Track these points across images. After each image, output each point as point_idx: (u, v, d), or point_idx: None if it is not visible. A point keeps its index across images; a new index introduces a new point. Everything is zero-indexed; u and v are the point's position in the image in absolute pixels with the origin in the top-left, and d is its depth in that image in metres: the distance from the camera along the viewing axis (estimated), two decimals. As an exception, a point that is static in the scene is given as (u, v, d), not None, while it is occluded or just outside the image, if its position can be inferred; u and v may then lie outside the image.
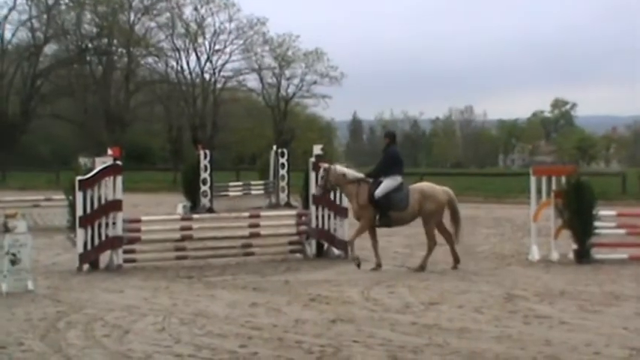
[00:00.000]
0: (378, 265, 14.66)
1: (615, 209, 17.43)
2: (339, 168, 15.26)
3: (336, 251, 16.16)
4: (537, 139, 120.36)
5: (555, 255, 15.74)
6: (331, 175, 15.03)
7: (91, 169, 14.91)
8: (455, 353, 8.46)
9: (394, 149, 15.17)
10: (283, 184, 30.93)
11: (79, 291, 12.35)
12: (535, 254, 15.88)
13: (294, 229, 16.27)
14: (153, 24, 65.20)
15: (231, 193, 31.70)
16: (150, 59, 67.35)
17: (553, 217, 15.99)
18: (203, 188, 27.84)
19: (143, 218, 15.80)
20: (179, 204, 27.74)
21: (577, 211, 15.57)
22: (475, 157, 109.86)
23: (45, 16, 62.95)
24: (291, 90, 69.74)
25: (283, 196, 30.79)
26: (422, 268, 14.59)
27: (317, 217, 16.10)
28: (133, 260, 14.90)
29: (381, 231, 15.09)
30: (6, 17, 62.11)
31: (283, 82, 69.16)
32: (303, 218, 16.27)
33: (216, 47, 65.73)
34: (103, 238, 14.55)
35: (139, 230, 15.13)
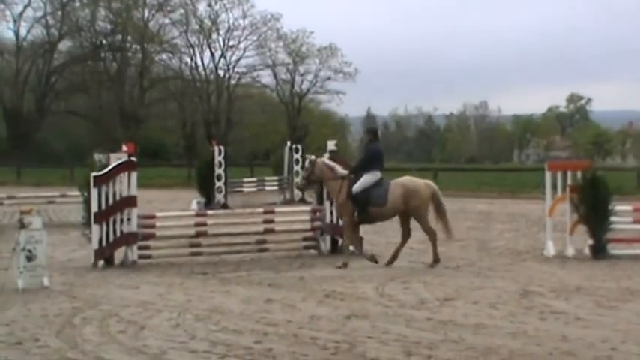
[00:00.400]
0: (373, 259, 14.53)
1: (631, 204, 17.33)
2: (325, 162, 15.19)
3: (350, 247, 16.12)
4: (552, 135, 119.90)
5: (571, 250, 15.68)
6: (316, 168, 14.97)
7: (105, 166, 14.93)
8: (470, 349, 8.43)
9: (376, 145, 15.08)
10: (297, 179, 30.90)
11: (94, 287, 12.38)
12: (550, 250, 15.83)
13: (309, 224, 16.25)
14: (167, 20, 65.49)
15: (245, 189, 31.73)
16: (164, 56, 67.64)
17: (568, 213, 15.93)
18: (217, 184, 27.85)
19: (158, 214, 15.82)
20: (193, 200, 27.77)
21: (593, 207, 15.51)
22: (489, 153, 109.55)
23: (60, 13, 63.24)
24: (305, 86, 69.93)
25: (297, 192, 30.79)
26: (436, 261, 14.54)
27: (331, 213, 16.07)
28: (148, 256, 14.92)
29: (395, 227, 15.03)
30: (21, 14, 62.50)
31: (297, 78, 69.36)
32: (318, 214, 16.26)
33: (230, 43, 65.97)
34: (118, 234, 14.58)
35: (153, 226, 15.15)
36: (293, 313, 10.40)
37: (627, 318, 10.02)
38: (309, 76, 69.41)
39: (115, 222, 14.56)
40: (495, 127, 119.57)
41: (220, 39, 65.97)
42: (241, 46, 66.42)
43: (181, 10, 64.71)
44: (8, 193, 24.89)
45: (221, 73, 66.93)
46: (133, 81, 66.10)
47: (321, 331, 9.29)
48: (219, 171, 28.07)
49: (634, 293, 11.71)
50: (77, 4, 64.43)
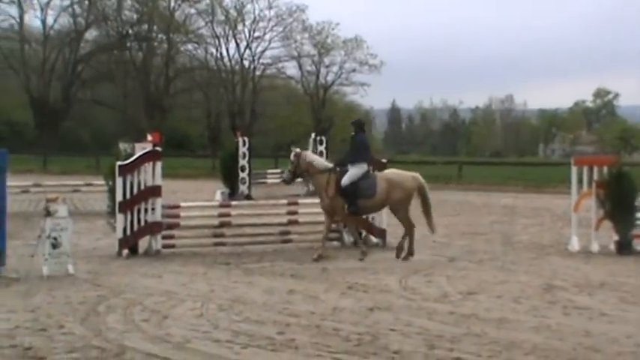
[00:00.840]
0: (363, 253, 14.48)
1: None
2: (310, 155, 15.14)
3: (373, 239, 16.13)
4: (578, 129, 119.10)
5: (596, 246, 15.60)
6: (302, 161, 14.91)
7: (130, 155, 14.98)
8: (493, 343, 8.41)
9: (361, 137, 14.92)
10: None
11: (118, 275, 12.45)
12: (575, 245, 15.75)
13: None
14: (193, 10, 65.60)
15: (269, 181, 31.74)
16: (189, 46, 67.81)
17: (594, 208, 15.85)
18: (241, 175, 27.90)
19: (182, 204, 15.87)
20: (217, 191, 27.82)
21: (618, 202, 15.41)
22: (515, 147, 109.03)
23: (86, 2, 63.50)
24: (330, 78, 69.85)
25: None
26: (411, 254, 14.40)
27: (355, 205, 16.04)
28: (172, 246, 14.98)
29: (418, 221, 15.00)
30: (48, 3, 62.81)
31: (322, 70, 69.28)
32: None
33: (256, 34, 66.01)
34: (143, 223, 14.64)
35: (177, 216, 15.20)
36: (316, 304, 10.41)
37: (652, 314, 9.96)
38: (334, 68, 69.36)
39: (139, 211, 14.62)
40: (521, 121, 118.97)
41: (246, 30, 66.07)
42: (267, 37, 66.49)
43: (207, 1, 64.78)
44: (34, 180, 25.07)
45: (246, 64, 67.02)
46: (159, 71, 66.25)
47: (343, 323, 9.29)
48: (243, 162, 28.12)
49: (659, 290, 11.64)
50: (104, -7, 64.66)
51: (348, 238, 16.14)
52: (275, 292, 11.17)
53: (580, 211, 16.10)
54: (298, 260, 14.19)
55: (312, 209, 16.69)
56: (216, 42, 66.02)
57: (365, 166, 14.66)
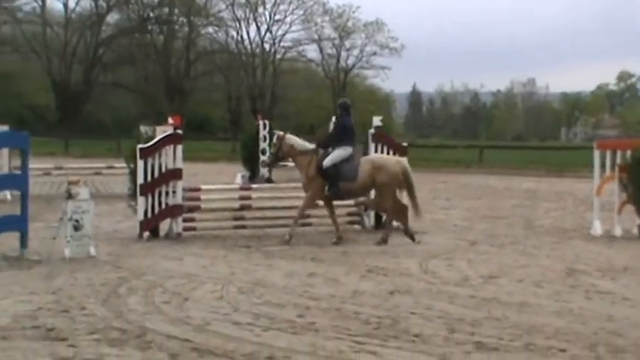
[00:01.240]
0: (339, 239, 14.31)
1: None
2: (292, 138, 15.03)
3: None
4: (601, 113, 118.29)
5: (618, 230, 15.50)
6: (284, 144, 14.82)
7: (151, 138, 15.00)
8: (514, 327, 8.37)
9: (347, 120, 14.79)
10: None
11: (139, 258, 12.48)
12: (597, 229, 15.66)
13: (353, 200, 16.21)
14: (214, -7, 65.47)
15: (289, 164, 31.58)
16: (210, 29, 67.92)
17: (616, 192, 15.74)
18: (262, 158, 27.86)
19: (203, 187, 15.88)
20: (238, 174, 27.85)
21: (641, 186, 15.30)
22: (536, 131, 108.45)
23: (108, -14, 63.56)
24: (350, 61, 69.80)
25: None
26: (384, 241, 14.15)
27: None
28: (193, 229, 15.00)
29: (440, 203, 14.95)
30: (70, -14, 62.87)
31: (343, 53, 69.24)
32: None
33: (277, 17, 66.03)
34: (163, 206, 14.67)
35: (198, 199, 15.23)
36: (336, 287, 10.40)
37: (675, 299, 9.89)
38: (355, 51, 69.29)
39: (160, 194, 14.65)
40: (543, 104, 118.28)
41: (266, 13, 66.06)
42: (287, 20, 66.49)
43: (228, -17, 64.76)
44: (56, 163, 25.16)
45: (267, 47, 67.09)
46: (180, 54, 66.36)
47: (363, 306, 9.28)
48: (263, 145, 28.07)
49: (682, 274, 11.55)
50: (125, -24, 64.75)
51: (368, 222, 16.12)
52: (295, 275, 11.17)
53: (603, 195, 16.00)
54: (318, 243, 14.18)
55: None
56: (237, 25, 66.12)
57: (350, 148, 14.52)
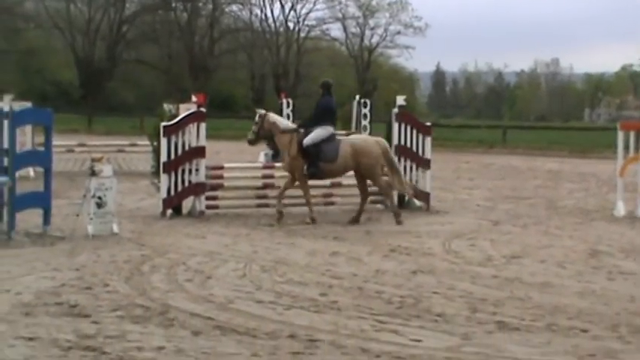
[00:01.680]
0: (312, 220, 14.19)
1: None
2: (274, 116, 14.91)
3: (417, 202, 16.04)
4: (625, 94, 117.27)
5: (642, 211, 15.40)
6: (266, 122, 14.70)
7: (175, 116, 15.03)
8: (537, 307, 8.34)
9: (328, 99, 14.62)
10: (365, 134, 30.80)
11: (162, 235, 12.53)
12: (621, 210, 15.56)
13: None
14: (238, -29, 65.30)
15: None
16: (234, 7, 67.77)
17: (640, 173, 15.63)
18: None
19: (226, 165, 15.91)
20: (261, 152, 27.81)
21: (666, 168, 15.17)
22: (560, 111, 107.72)
23: (132, -38, 63.54)
24: (374, 40, 69.48)
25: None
26: (397, 214, 14.22)
27: (399, 168, 15.98)
28: (215, 207, 15.04)
29: (463, 183, 14.91)
30: (94, -37, 62.87)
31: (367, 32, 68.94)
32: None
33: (301, -5, 65.61)
34: (186, 184, 14.71)
35: (221, 177, 15.25)
36: (358, 266, 10.41)
37: (699, 282, 9.82)
38: (379, 31, 68.92)
39: (183, 172, 14.68)
40: (567, 85, 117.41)
41: (291, -9, 65.76)
42: (312, -2, 66.16)
43: (252, -39, 64.58)
44: (79, 140, 25.27)
45: (291, 25, 66.87)
46: (203, 32, 66.28)
47: (386, 286, 9.28)
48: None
49: None
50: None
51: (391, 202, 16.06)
52: (318, 254, 11.18)
53: (626, 176, 15.88)
54: (341, 222, 14.19)
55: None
56: (261, 3, 65.91)
57: (330, 128, 14.42)
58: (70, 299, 8.35)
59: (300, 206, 14.98)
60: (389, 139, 16.42)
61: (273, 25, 66.41)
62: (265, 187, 15.46)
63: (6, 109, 12.54)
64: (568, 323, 7.76)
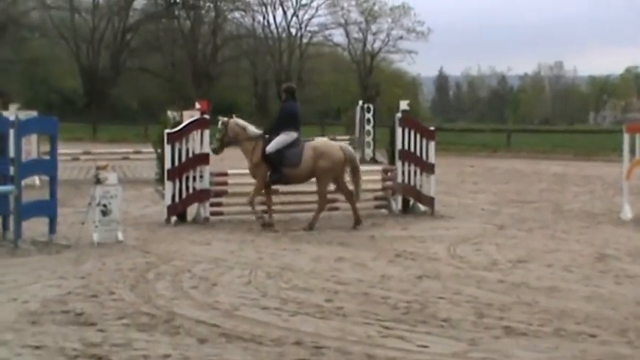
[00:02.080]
0: (268, 224, 14.09)
1: None
2: (237, 122, 14.82)
3: (421, 207, 16.03)
4: (630, 96, 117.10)
5: (648, 214, 15.37)
6: (229, 129, 14.64)
7: (179, 123, 15.02)
8: (544, 312, 8.31)
9: (291, 104, 14.62)
10: (369, 139, 30.88)
11: (167, 243, 12.52)
12: (627, 213, 15.52)
13: (380, 184, 16.19)
14: (240, -22, 65.44)
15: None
16: (237, 14, 67.98)
17: (646, 176, 15.60)
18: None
19: (230, 172, 15.88)
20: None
21: (672, 170, 15.14)
22: (564, 114, 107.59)
23: (135, -29, 63.72)
24: (377, 45, 69.61)
25: (368, 152, 30.77)
26: (311, 227, 14.02)
27: (403, 173, 15.98)
28: (220, 213, 15.03)
29: (467, 187, 14.89)
30: (97, -28, 63.08)
31: (369, 37, 69.13)
32: (389, 174, 16.17)
33: (303, 2, 66.04)
34: (191, 191, 14.70)
35: (225, 183, 15.24)
36: (364, 272, 10.39)
37: None
38: (381, 36, 69.08)
39: (187, 179, 14.68)
40: (571, 88, 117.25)
41: (293, -3, 65.87)
42: (314, 4, 66.43)
43: (254, -32, 64.70)
44: (84, 148, 25.31)
45: (293, 31, 67.06)
46: (206, 39, 66.46)
47: (391, 291, 9.25)
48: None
49: None
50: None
51: (395, 206, 16.06)
52: (323, 260, 11.16)
53: (632, 179, 15.85)
54: (346, 228, 14.16)
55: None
56: (264, 10, 66.14)
57: (294, 134, 14.33)
58: (76, 307, 8.34)
59: (306, 212, 14.95)
60: (392, 143, 16.43)
61: (275, 31, 66.64)
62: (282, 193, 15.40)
63: (12, 118, 12.55)
64: (576, 328, 7.73)
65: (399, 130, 16.16)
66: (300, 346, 7.11)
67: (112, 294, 9.01)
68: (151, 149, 17.12)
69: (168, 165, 14.50)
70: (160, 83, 65.84)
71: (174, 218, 14.55)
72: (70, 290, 9.13)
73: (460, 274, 10.32)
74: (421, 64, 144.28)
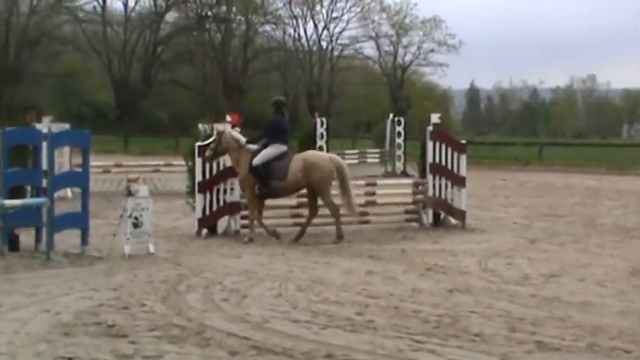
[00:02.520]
0: (250, 239, 13.92)
1: None
2: (232, 133, 14.70)
3: (453, 221, 15.95)
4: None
5: (682, 229, 15.20)
6: (223, 140, 14.54)
7: (210, 136, 15.07)
8: (577, 327, 8.23)
9: (279, 118, 14.64)
10: (399, 152, 30.80)
11: (198, 255, 12.55)
12: (661, 228, 15.36)
13: (411, 197, 16.14)
14: (271, -9, 65.69)
15: (347, 161, 31.53)
16: (267, 27, 68.13)
17: (681, 190, 15.44)
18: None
19: (260, 184, 15.87)
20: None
21: None
22: (597, 128, 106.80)
23: (166, -15, 64.18)
24: (408, 58, 69.49)
25: (399, 165, 30.68)
26: (339, 236, 14.01)
27: (434, 186, 15.93)
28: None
29: (499, 201, 14.81)
30: (130, -14, 63.61)
31: (400, 50, 68.97)
32: (420, 187, 16.12)
33: (334, 15, 66.04)
34: (222, 203, 14.73)
35: (256, 196, 15.23)
36: (394, 285, 10.35)
37: None
38: (412, 49, 68.91)
39: (218, 191, 14.71)
40: (604, 101, 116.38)
41: (324, 10, 66.08)
42: (344, 17, 66.45)
43: (286, -19, 64.92)
44: (116, 161, 25.46)
45: (324, 44, 67.13)
46: (237, 52, 66.69)
47: (422, 305, 9.21)
48: (321, 142, 28.15)
49: None
50: (184, -25, 65.29)
51: (426, 220, 16.00)
52: (353, 273, 11.13)
53: (666, 193, 15.70)
54: (376, 241, 14.13)
55: (390, 190, 16.65)
56: (294, 23, 66.25)
57: (282, 147, 14.32)
58: (108, 319, 8.37)
59: (331, 225, 14.88)
60: (423, 157, 16.39)
61: (306, 44, 66.71)
62: (300, 206, 15.41)
63: (45, 130, 12.66)
64: (610, 344, 7.65)
65: (430, 144, 16.12)
66: (330, 359, 7.09)
67: (144, 306, 9.04)
68: (182, 162, 17.21)
69: (199, 177, 14.56)
70: (190, 96, 66.13)
71: (204, 231, 14.58)
72: (102, 302, 9.17)
73: (492, 288, 10.25)
74: (452, 77, 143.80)
